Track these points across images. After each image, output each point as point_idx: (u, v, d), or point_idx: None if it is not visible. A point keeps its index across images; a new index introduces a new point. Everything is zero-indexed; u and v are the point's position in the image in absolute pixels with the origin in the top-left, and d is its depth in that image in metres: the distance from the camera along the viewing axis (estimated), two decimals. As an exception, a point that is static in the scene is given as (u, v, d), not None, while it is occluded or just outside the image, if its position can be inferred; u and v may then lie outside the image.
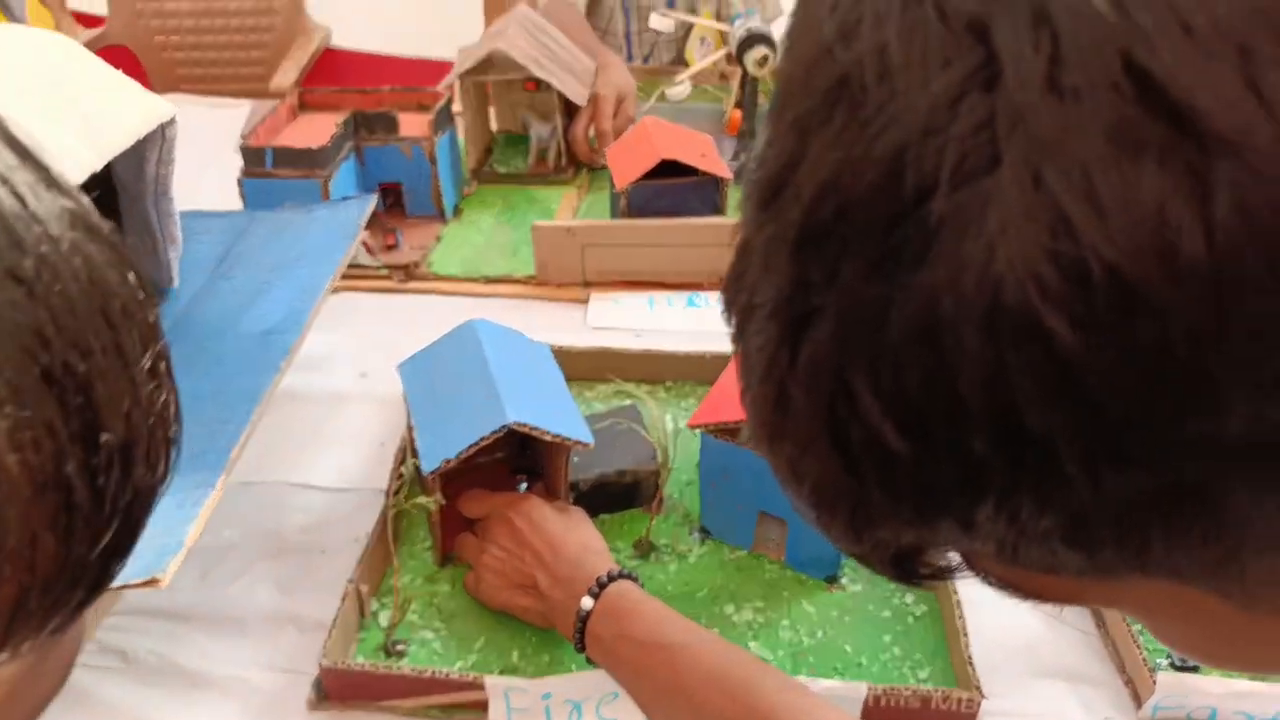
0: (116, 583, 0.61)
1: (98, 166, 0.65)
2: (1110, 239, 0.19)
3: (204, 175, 1.48)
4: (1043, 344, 0.21)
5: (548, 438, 0.78)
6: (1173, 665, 0.76)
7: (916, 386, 0.22)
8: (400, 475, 0.85)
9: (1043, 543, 0.24)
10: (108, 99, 0.70)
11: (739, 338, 0.28)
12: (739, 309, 0.27)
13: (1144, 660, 0.75)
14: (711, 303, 1.21)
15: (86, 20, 2.57)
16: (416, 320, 1.11)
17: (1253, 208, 0.19)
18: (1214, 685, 0.73)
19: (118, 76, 0.72)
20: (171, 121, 0.76)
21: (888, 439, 0.23)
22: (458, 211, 1.41)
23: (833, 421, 0.24)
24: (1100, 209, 0.19)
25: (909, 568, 0.30)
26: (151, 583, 0.61)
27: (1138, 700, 0.75)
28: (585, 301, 1.22)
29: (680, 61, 1.90)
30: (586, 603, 0.72)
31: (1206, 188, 0.19)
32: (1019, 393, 0.21)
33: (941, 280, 0.21)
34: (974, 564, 0.30)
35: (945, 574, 0.30)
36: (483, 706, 0.73)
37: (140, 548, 0.64)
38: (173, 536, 0.65)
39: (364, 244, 1.26)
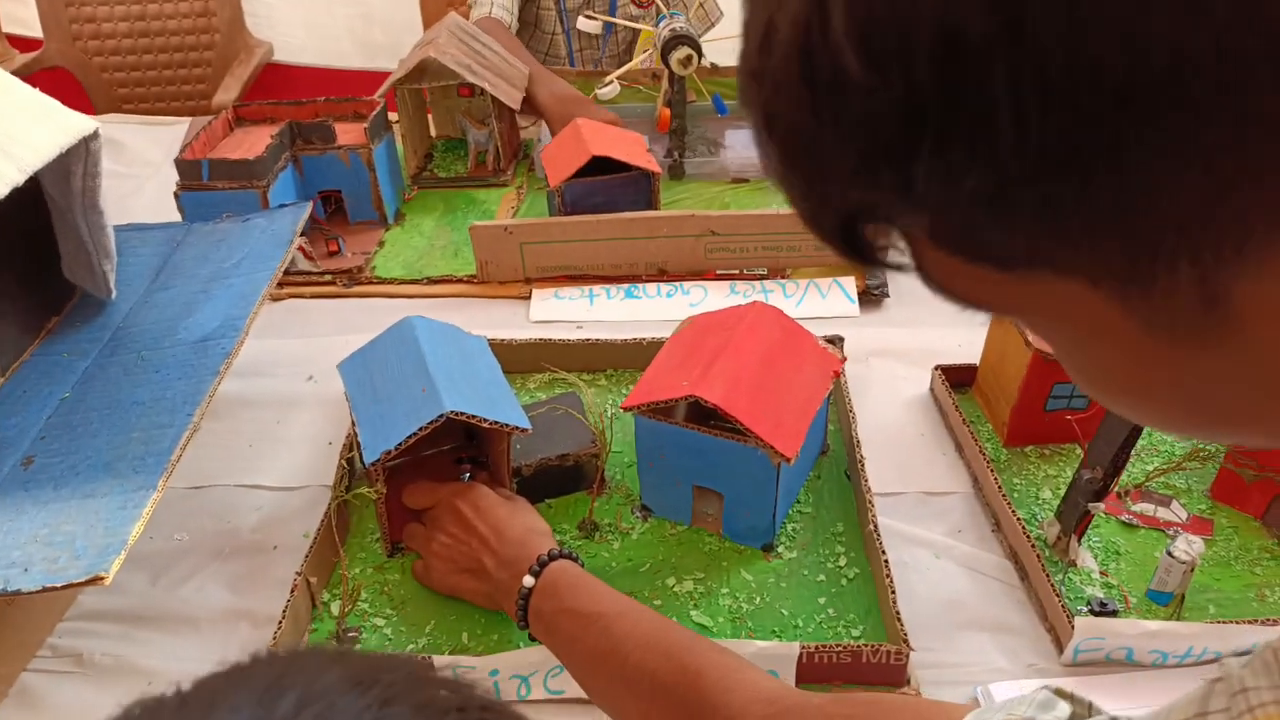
0: (60, 582, 0.63)
1: (19, 180, 0.67)
2: None
3: (144, 194, 1.50)
4: None
5: (485, 424, 0.80)
6: (1091, 612, 0.80)
7: (880, 6, 0.26)
8: (344, 468, 0.87)
9: (968, 207, 0.27)
10: (26, 116, 0.72)
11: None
12: None
13: (1064, 608, 0.79)
14: (650, 293, 1.24)
15: (22, 43, 2.56)
16: (362, 324, 1.13)
17: None
18: (1129, 627, 0.77)
19: (36, 95, 0.74)
20: (95, 135, 0.77)
21: (848, 64, 0.26)
22: (399, 216, 1.43)
23: (806, 49, 0.27)
24: None
25: (855, 238, 0.32)
26: (95, 580, 0.63)
27: (1059, 646, 0.79)
28: (527, 298, 1.25)
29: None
30: (528, 581, 0.75)
31: None
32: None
33: None
34: (915, 253, 0.32)
35: (887, 259, 0.33)
36: (432, 687, 0.75)
37: (83, 548, 0.66)
38: (116, 537, 0.67)
39: (302, 250, 1.27)
